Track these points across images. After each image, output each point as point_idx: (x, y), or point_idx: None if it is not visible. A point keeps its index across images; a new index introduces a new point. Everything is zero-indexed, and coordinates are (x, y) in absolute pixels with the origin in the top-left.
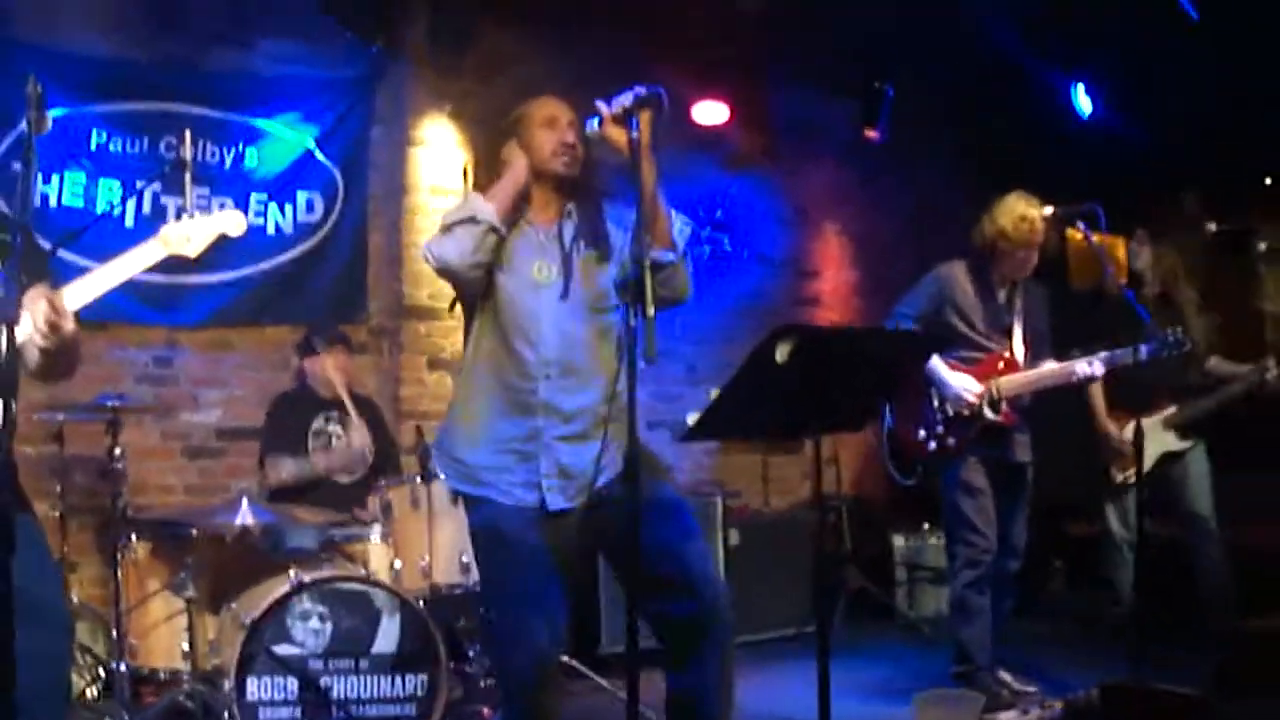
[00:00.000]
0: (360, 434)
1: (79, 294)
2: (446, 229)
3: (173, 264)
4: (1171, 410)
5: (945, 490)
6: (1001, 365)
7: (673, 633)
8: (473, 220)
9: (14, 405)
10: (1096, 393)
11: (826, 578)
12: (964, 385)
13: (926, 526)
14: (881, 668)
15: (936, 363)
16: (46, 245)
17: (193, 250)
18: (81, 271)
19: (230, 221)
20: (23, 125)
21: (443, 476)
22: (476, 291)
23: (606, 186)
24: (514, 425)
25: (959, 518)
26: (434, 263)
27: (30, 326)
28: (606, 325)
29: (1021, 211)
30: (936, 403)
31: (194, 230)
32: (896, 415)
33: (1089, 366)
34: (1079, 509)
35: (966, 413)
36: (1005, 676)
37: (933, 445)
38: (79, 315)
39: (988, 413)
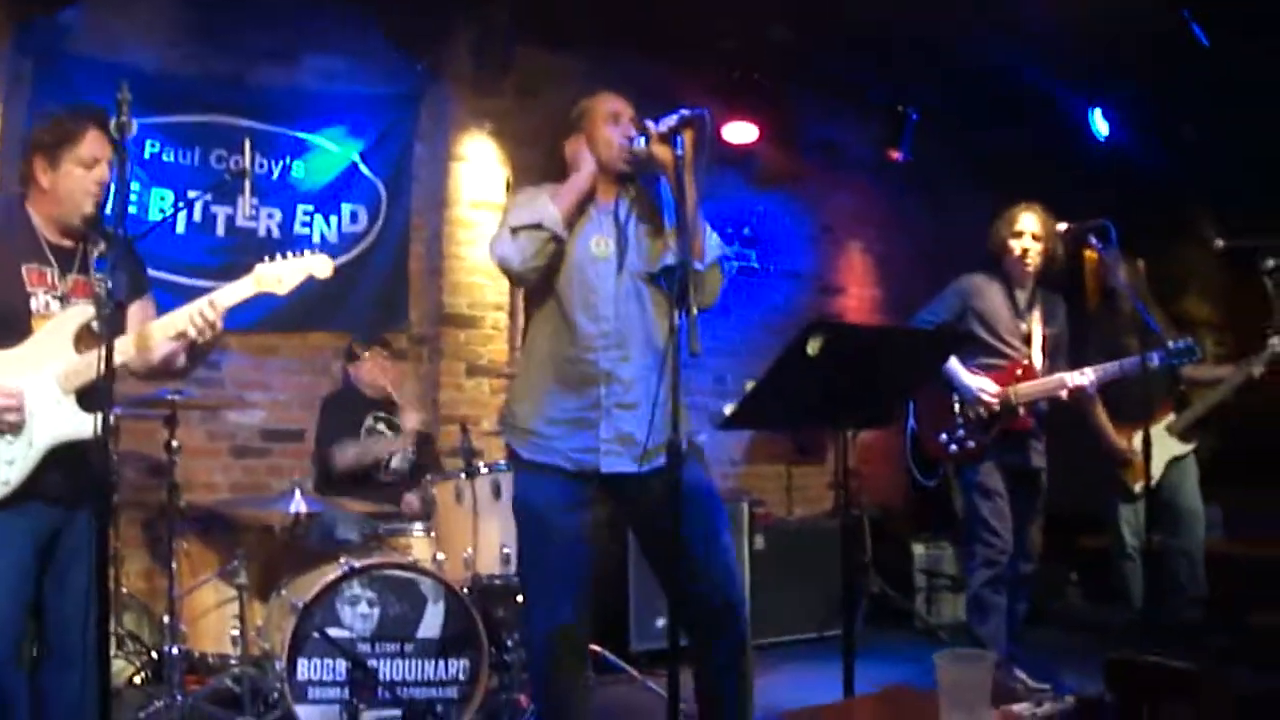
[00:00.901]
0: (411, 421)
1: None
2: (513, 231)
3: (221, 271)
4: (1172, 418)
5: (963, 492)
6: (1020, 372)
7: (692, 619)
8: (538, 227)
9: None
10: (1099, 410)
11: (852, 582)
12: (981, 387)
13: (944, 537)
14: (901, 669)
15: (956, 366)
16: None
17: (283, 289)
18: None
19: (318, 264)
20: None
21: (507, 448)
22: (535, 284)
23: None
24: (576, 395)
25: (976, 519)
26: (496, 263)
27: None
28: (657, 297)
29: (1011, 214)
30: (958, 407)
31: (285, 271)
32: (919, 418)
33: (1081, 377)
34: (1093, 522)
35: (984, 414)
36: (1020, 674)
37: (953, 448)
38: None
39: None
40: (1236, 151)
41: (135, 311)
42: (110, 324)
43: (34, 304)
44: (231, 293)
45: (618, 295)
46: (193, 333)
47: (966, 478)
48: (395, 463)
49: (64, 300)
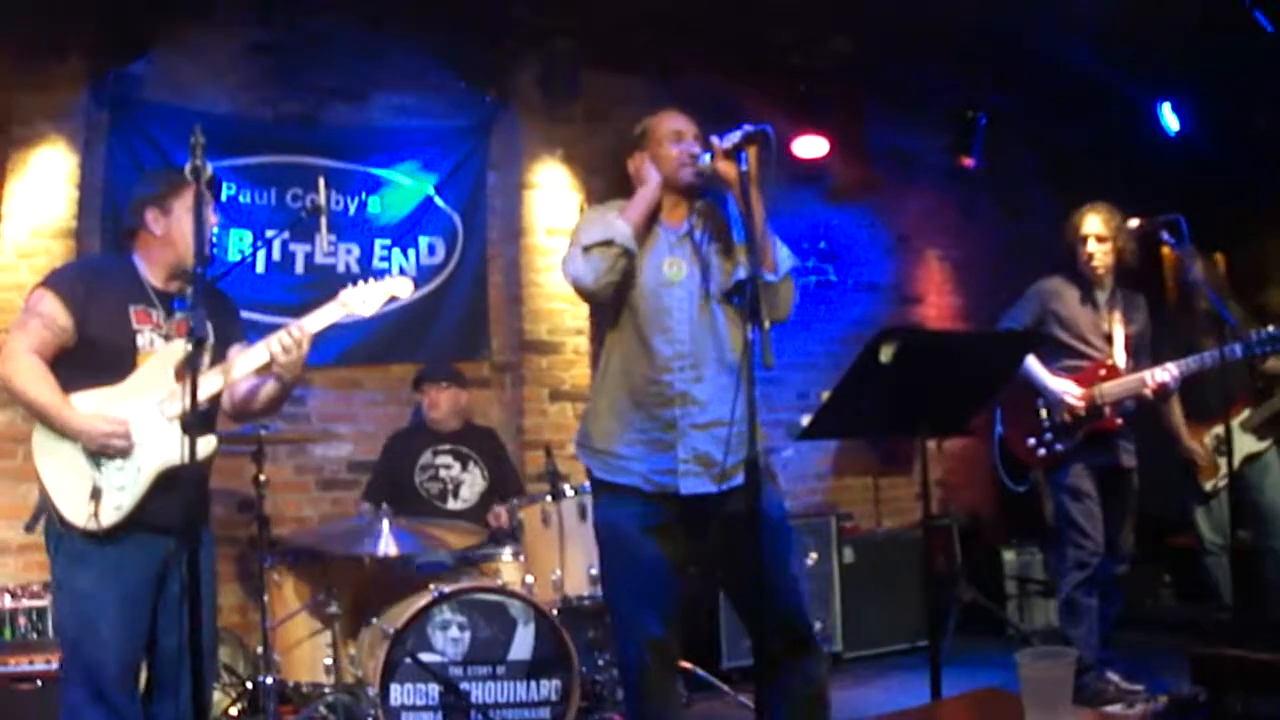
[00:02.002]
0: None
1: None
2: (584, 250)
3: (302, 308)
4: (1247, 414)
5: (1053, 495)
6: (1103, 372)
7: (761, 650)
8: (609, 243)
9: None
10: (1175, 409)
11: (937, 593)
12: (1065, 390)
13: (1034, 543)
14: (993, 677)
15: (1039, 370)
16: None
17: (368, 311)
18: None
19: (400, 285)
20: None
21: (586, 470)
22: (609, 302)
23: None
24: (651, 417)
25: (1067, 521)
26: (570, 282)
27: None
28: (730, 315)
29: (1075, 217)
30: (1044, 411)
31: (369, 294)
32: (1006, 423)
33: (1163, 374)
34: (1182, 521)
35: (1069, 418)
36: (1112, 676)
37: (1042, 451)
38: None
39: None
40: None
41: (234, 354)
42: (192, 358)
43: (140, 341)
44: (320, 317)
45: (692, 316)
46: (280, 355)
47: (1056, 480)
48: (466, 491)
49: (168, 339)
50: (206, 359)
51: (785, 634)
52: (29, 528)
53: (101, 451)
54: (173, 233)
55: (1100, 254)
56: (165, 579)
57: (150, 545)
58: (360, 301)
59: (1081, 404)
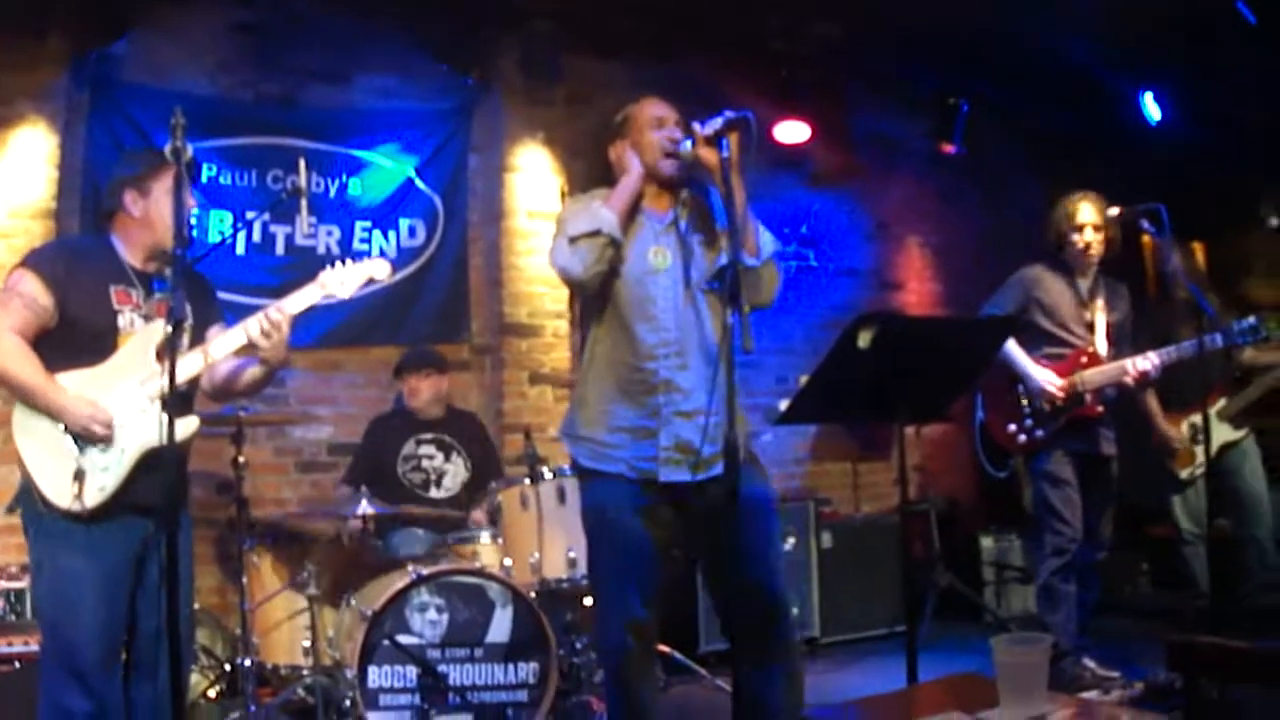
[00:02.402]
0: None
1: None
2: (571, 241)
3: (282, 290)
4: (1224, 403)
5: (1033, 481)
6: (1085, 360)
7: (738, 631)
8: (597, 233)
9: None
10: (1150, 396)
11: (915, 579)
12: (1047, 378)
13: (1012, 529)
14: (970, 662)
15: (1021, 357)
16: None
17: (346, 292)
18: None
19: (377, 267)
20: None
21: (571, 457)
22: (596, 291)
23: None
24: (635, 404)
25: (1046, 507)
26: (558, 272)
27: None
28: (714, 303)
29: (1069, 207)
30: (1025, 397)
31: (347, 275)
32: (987, 409)
33: (1144, 362)
34: (1159, 510)
35: (1049, 406)
36: (1089, 663)
37: (1022, 438)
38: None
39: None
40: None
41: (212, 335)
42: (172, 340)
43: (120, 322)
44: (299, 299)
45: (677, 305)
46: (260, 340)
47: (1036, 467)
48: (449, 481)
49: (148, 319)
50: (185, 340)
51: (764, 605)
52: (9, 509)
53: (83, 434)
54: (151, 214)
55: (1095, 242)
56: (144, 561)
57: (131, 526)
58: (339, 283)
59: (1061, 394)
